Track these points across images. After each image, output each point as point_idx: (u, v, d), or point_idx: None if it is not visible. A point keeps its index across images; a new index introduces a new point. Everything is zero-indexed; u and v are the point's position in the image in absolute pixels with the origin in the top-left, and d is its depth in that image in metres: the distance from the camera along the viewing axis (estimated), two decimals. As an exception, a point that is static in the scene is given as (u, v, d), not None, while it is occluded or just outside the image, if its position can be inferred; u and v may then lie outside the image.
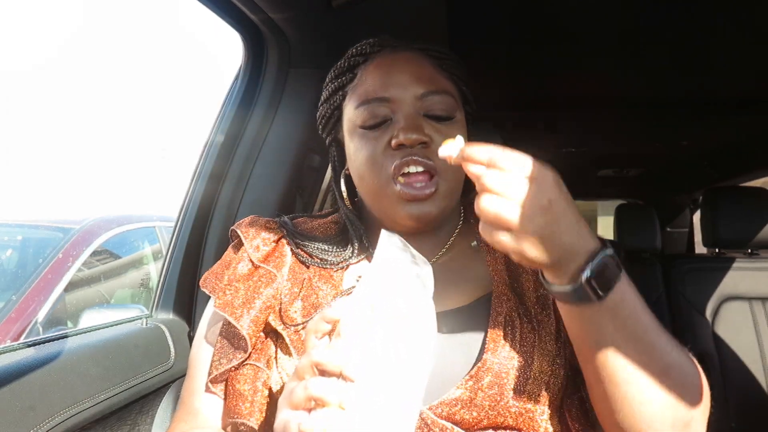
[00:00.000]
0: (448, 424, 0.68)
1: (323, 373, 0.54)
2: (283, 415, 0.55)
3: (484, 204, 0.58)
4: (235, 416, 0.73)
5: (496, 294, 0.77)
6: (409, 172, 0.76)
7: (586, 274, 0.59)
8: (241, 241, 0.83)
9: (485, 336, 0.73)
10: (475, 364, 0.71)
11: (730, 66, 1.48)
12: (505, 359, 0.71)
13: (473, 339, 0.74)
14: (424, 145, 0.76)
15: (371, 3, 1.16)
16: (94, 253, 2.81)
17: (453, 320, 0.76)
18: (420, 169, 0.76)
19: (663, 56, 1.41)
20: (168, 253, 1.28)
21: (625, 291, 0.63)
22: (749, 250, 2.12)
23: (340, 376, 0.53)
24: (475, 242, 0.86)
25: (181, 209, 1.29)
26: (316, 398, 0.53)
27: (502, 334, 0.72)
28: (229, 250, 0.86)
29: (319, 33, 1.24)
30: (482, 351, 0.72)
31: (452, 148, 0.62)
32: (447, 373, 0.71)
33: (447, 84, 0.82)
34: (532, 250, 0.58)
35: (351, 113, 0.81)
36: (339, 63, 0.86)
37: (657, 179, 2.98)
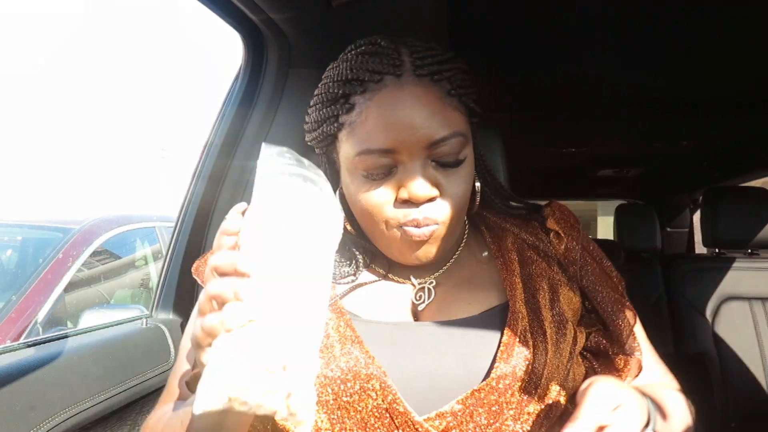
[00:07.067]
0: None
1: (222, 275, 0.53)
2: (191, 333, 0.54)
3: None
4: None
5: (511, 309, 0.74)
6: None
7: None
8: None
9: (496, 350, 0.70)
10: (483, 379, 0.69)
11: (729, 66, 1.48)
12: (512, 377, 0.68)
13: (480, 352, 0.71)
14: (432, 199, 0.72)
15: (372, 3, 1.15)
16: (94, 253, 2.81)
17: (460, 331, 0.74)
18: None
19: (663, 56, 1.41)
20: (168, 253, 1.29)
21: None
22: (749, 250, 2.12)
23: (235, 272, 0.52)
24: (486, 253, 0.84)
25: (181, 209, 1.29)
26: (214, 296, 0.51)
27: (513, 350, 0.70)
28: None
29: (319, 33, 1.23)
30: (490, 367, 0.69)
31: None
32: (447, 385, 0.69)
33: (457, 118, 0.73)
34: None
35: (350, 154, 0.72)
36: (329, 88, 0.74)
37: (657, 179, 2.98)
